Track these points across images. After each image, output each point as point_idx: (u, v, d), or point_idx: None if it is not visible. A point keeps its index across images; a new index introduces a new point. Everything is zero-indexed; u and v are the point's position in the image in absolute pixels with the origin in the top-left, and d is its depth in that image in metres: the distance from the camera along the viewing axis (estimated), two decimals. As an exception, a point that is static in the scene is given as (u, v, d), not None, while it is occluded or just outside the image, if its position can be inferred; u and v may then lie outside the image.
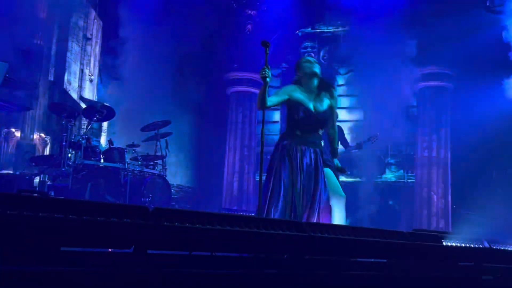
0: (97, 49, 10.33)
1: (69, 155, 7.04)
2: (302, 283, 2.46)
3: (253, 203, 10.41)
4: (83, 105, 8.98)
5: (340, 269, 2.68)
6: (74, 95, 9.37)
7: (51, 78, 8.68)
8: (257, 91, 10.06)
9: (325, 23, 11.55)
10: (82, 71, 9.73)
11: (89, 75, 10.01)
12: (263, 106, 4.31)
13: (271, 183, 4.29)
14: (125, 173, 7.30)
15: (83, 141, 7.02)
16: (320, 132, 4.53)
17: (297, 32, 11.55)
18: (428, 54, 9.53)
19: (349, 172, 9.85)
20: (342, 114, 9.93)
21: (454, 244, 3.56)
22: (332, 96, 4.55)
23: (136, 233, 2.02)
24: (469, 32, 8.93)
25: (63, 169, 6.92)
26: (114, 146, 7.45)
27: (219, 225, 2.25)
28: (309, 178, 4.27)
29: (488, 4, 7.77)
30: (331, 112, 4.53)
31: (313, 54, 11.26)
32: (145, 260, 2.04)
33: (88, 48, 9.98)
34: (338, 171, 4.62)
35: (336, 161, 4.64)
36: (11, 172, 6.99)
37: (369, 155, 9.42)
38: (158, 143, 8.06)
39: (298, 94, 4.44)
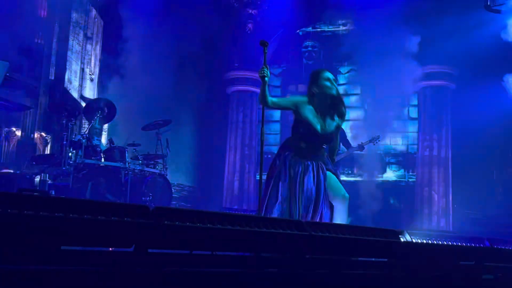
0: (98, 48, 10.33)
1: (70, 154, 7.04)
2: (302, 282, 2.46)
3: (253, 202, 10.42)
4: (84, 104, 8.98)
5: (341, 268, 2.68)
6: (75, 94, 9.38)
7: (51, 77, 8.69)
8: (258, 90, 10.05)
9: (326, 22, 11.56)
10: (82, 70, 9.74)
11: (90, 74, 10.01)
12: (265, 105, 4.32)
13: (269, 190, 4.30)
14: (126, 172, 7.30)
15: (83, 140, 7.03)
16: (324, 146, 4.53)
17: (297, 31, 11.56)
18: (429, 54, 9.53)
19: (350, 171, 9.86)
20: (343, 114, 9.91)
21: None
22: (341, 116, 4.46)
23: (137, 232, 2.02)
24: (470, 32, 8.93)
25: (63, 168, 6.93)
26: (114, 145, 7.45)
27: (219, 224, 2.25)
28: (310, 193, 4.26)
29: (488, 3, 7.75)
30: (337, 131, 4.51)
31: (314, 54, 11.27)
32: (145, 259, 2.04)
33: (89, 47, 9.98)
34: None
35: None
36: (12, 171, 7.00)
37: (370, 154, 9.43)
38: (158, 142, 8.07)
39: (308, 113, 4.32)
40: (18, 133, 7.94)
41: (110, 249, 2.14)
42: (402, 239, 3.16)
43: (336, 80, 4.49)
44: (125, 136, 8.39)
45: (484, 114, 8.96)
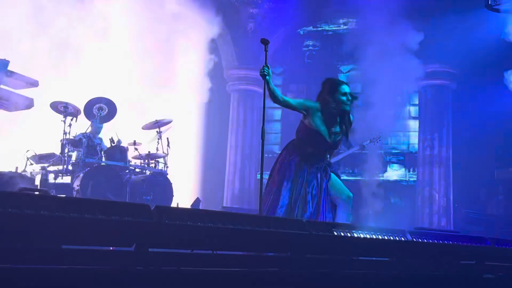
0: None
1: (71, 153, 7.04)
2: (303, 281, 2.46)
3: (254, 201, 10.41)
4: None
5: (342, 267, 2.68)
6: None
7: (52, 76, 8.67)
8: (259, 89, 10.07)
9: (327, 22, 11.55)
10: (83, 69, 9.71)
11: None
12: (276, 102, 4.31)
13: (272, 195, 4.30)
14: (127, 171, 7.30)
15: (84, 139, 7.03)
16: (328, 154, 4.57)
17: (298, 30, 11.55)
18: (431, 53, 9.51)
19: (351, 171, 9.86)
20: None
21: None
22: (346, 133, 4.48)
23: (138, 231, 2.03)
24: (471, 31, 8.92)
25: (64, 167, 6.92)
26: (115, 144, 7.45)
27: (220, 223, 2.25)
28: (313, 199, 4.28)
29: (489, 2, 7.74)
30: (341, 141, 4.56)
31: (315, 53, 11.28)
32: (146, 258, 2.04)
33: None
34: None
35: None
36: (13, 170, 6.99)
37: (371, 154, 9.42)
38: (159, 141, 8.06)
39: (318, 121, 4.34)
40: (19, 132, 7.93)
41: (111, 248, 2.14)
42: (403, 239, 3.15)
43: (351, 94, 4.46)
44: (125, 135, 8.38)
45: (485, 113, 8.96)
